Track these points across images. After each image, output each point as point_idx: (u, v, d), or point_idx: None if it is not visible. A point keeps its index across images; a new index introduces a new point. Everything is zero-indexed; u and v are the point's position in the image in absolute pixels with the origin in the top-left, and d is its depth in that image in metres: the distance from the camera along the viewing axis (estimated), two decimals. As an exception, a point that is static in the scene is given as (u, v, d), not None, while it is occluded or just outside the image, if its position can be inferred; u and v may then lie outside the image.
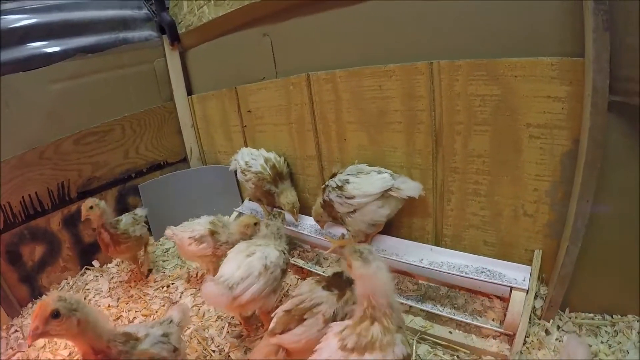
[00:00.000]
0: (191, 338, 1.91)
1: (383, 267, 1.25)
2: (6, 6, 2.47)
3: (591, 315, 1.63)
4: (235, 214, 2.69)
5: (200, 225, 2.10)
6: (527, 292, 1.59)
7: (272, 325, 1.48)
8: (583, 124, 1.39)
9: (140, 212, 2.44)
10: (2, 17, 2.40)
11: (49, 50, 2.49)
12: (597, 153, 1.37)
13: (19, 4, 2.50)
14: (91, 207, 2.11)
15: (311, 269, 2.20)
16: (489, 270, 1.71)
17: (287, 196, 2.26)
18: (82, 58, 2.59)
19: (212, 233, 2.07)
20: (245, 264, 1.66)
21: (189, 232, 2.09)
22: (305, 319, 1.43)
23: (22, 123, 2.39)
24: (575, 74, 1.38)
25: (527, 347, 1.54)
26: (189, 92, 3.10)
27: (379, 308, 1.20)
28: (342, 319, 1.39)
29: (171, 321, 1.50)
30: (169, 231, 2.15)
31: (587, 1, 1.26)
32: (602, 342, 1.52)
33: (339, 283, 1.55)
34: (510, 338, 1.59)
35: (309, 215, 2.24)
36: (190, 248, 2.06)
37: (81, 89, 2.60)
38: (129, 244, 2.24)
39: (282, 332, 1.43)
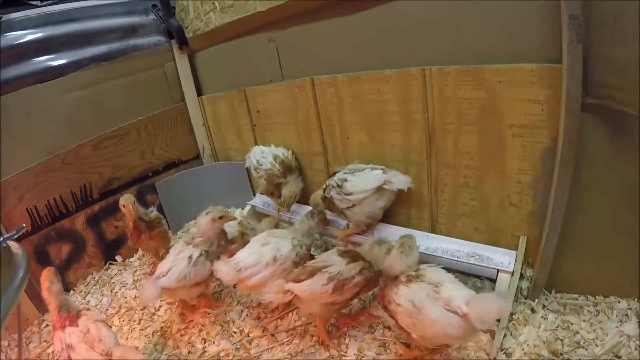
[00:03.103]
0: (214, 322, 2.11)
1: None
2: (18, 15, 2.54)
3: (575, 296, 1.75)
4: (248, 207, 2.86)
5: (230, 227, 2.21)
6: (512, 274, 1.73)
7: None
8: (560, 124, 1.50)
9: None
10: (19, 31, 2.49)
11: (64, 61, 2.59)
12: (571, 151, 1.49)
13: (26, 13, 2.57)
14: (134, 203, 2.27)
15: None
16: (478, 254, 1.86)
17: (287, 189, 2.38)
18: (96, 67, 2.69)
19: (242, 235, 2.24)
20: (258, 252, 1.85)
21: None
22: (314, 275, 1.65)
23: (43, 132, 2.53)
24: (553, 79, 1.48)
25: (513, 324, 1.68)
26: (199, 93, 3.20)
27: None
28: (348, 281, 1.63)
29: None
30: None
31: (563, 16, 1.37)
32: (584, 321, 1.63)
33: (355, 255, 1.73)
34: (498, 315, 1.79)
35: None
36: None
37: (97, 96, 2.72)
38: (161, 228, 2.42)
39: (294, 281, 1.66)
